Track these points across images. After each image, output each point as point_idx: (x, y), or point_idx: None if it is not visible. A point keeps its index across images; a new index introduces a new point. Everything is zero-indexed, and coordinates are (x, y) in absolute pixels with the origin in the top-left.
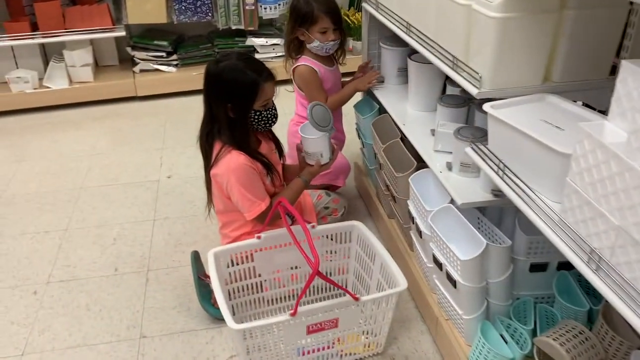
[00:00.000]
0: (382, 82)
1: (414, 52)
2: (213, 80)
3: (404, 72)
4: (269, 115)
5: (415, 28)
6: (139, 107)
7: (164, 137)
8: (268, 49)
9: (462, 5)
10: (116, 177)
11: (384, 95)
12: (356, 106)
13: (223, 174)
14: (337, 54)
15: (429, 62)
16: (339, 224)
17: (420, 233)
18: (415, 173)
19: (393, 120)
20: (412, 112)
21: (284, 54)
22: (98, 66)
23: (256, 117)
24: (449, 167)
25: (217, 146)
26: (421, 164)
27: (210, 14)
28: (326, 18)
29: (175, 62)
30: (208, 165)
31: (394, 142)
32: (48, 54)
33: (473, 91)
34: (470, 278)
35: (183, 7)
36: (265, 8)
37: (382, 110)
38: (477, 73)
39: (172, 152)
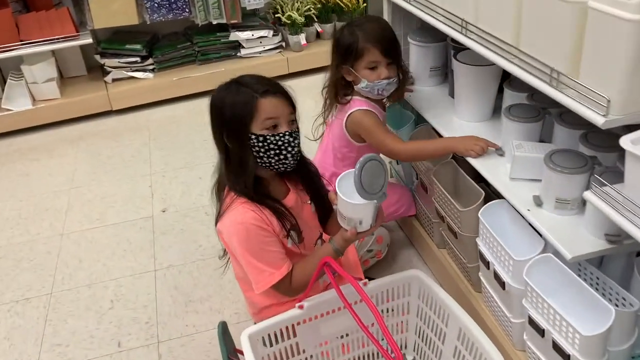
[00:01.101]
0: (413, 83)
1: (457, 47)
2: (210, 109)
3: (437, 72)
4: (279, 143)
5: (476, 27)
6: (116, 123)
7: (150, 158)
8: (254, 43)
9: (572, 3)
10: (102, 217)
11: (419, 102)
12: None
13: (226, 232)
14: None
15: (483, 64)
16: (395, 277)
17: (502, 284)
18: (486, 206)
19: (438, 133)
20: (460, 122)
21: (273, 46)
22: (63, 78)
23: (260, 145)
24: (538, 202)
25: (225, 191)
26: (480, 182)
27: (187, 10)
28: (374, 49)
29: (151, 67)
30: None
31: (445, 163)
32: (4, 72)
33: (597, 120)
34: (592, 354)
35: (156, 5)
36: None
37: (418, 120)
38: (604, 96)
39: (162, 178)
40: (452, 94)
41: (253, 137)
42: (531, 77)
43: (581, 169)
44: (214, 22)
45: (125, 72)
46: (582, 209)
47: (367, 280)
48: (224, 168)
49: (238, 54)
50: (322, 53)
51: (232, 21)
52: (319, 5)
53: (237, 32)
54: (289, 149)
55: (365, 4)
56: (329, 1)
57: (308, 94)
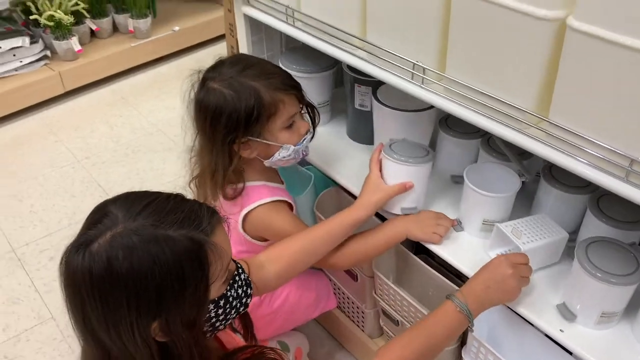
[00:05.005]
0: None
1: (360, 79)
2: (95, 296)
3: (325, 107)
4: (245, 287)
5: (440, 74)
6: None
7: None
8: (6, 58)
9: None
10: None
11: (314, 152)
12: None
13: None
14: None
15: (421, 107)
16: None
17: None
18: None
19: (352, 195)
20: None
21: (35, 58)
22: None
23: (221, 309)
24: (569, 315)
25: None
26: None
27: None
28: (289, 99)
29: None
30: None
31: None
32: None
33: None
34: None
35: None
36: None
37: (320, 180)
38: None
39: None
40: (355, 136)
41: (212, 305)
42: (587, 167)
43: (636, 275)
44: None
45: None
46: (627, 315)
47: None
48: None
49: None
50: (105, 59)
51: None
52: None
53: None
54: (248, 289)
55: None
56: None
57: (97, 117)
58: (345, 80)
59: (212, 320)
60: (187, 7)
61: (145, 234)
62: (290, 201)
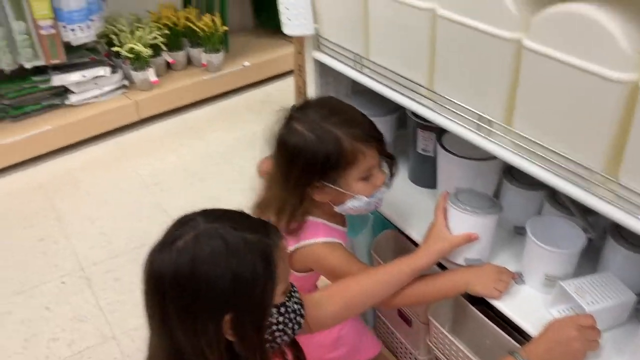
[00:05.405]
0: None
1: (424, 124)
2: (177, 289)
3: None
4: (295, 307)
5: (500, 125)
6: None
7: None
8: (88, 86)
9: None
10: None
11: None
12: None
13: None
14: None
15: (484, 156)
16: None
17: None
18: None
19: (409, 239)
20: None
21: (114, 87)
22: None
23: (281, 317)
24: None
25: None
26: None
27: None
28: (370, 151)
29: None
30: None
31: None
32: None
33: None
34: None
35: None
36: (72, 30)
37: (379, 221)
38: None
39: None
40: (417, 179)
41: (274, 310)
42: None
43: None
44: (28, 66)
45: None
46: None
47: None
48: None
49: (66, 102)
50: (178, 90)
51: (54, 61)
52: (166, 31)
53: (61, 75)
54: (302, 310)
55: (225, 27)
56: (177, 25)
57: (168, 145)
58: (408, 124)
59: (273, 328)
60: (257, 42)
61: (225, 232)
62: (344, 245)
